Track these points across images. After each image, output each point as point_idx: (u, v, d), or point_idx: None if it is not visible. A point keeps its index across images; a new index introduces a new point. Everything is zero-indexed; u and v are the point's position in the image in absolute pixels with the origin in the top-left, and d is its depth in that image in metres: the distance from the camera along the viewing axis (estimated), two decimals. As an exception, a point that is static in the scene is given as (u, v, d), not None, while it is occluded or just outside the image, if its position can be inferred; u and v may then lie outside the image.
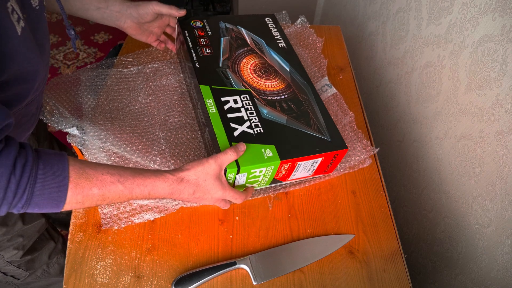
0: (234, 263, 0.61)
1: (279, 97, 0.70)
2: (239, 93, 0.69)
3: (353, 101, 0.87)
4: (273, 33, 0.83)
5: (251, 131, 0.64)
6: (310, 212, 0.69)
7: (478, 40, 0.71)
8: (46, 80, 0.63)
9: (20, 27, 0.44)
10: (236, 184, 0.63)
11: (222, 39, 0.78)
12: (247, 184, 0.65)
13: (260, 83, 0.72)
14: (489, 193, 0.73)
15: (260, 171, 0.62)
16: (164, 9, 0.75)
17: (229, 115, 0.65)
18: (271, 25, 0.85)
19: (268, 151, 0.61)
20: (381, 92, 1.14)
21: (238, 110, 0.66)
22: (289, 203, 0.70)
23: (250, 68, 0.74)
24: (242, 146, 0.60)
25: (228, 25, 0.82)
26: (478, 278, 0.79)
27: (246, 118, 0.65)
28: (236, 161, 0.59)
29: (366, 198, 0.72)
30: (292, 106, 0.69)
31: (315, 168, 0.68)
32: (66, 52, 2.11)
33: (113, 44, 2.16)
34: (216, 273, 0.59)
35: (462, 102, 0.77)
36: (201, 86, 0.68)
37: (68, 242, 0.63)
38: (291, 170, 0.65)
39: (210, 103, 0.66)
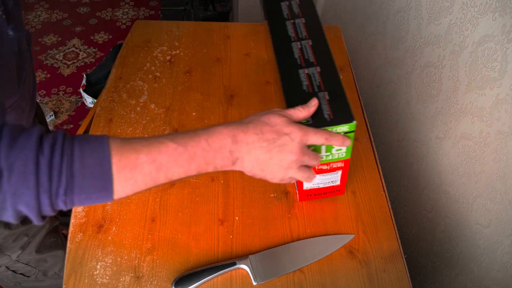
0: (234, 263, 0.61)
1: None
2: None
3: (353, 101, 0.87)
4: None
5: None
6: (310, 212, 0.69)
7: (478, 40, 0.71)
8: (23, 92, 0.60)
9: None
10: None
11: None
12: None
13: None
14: (489, 193, 0.73)
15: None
16: None
17: None
18: None
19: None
20: (381, 92, 1.14)
21: None
22: (289, 203, 0.70)
23: None
24: (313, 101, 0.54)
25: None
26: (478, 278, 0.78)
27: None
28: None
29: (366, 198, 0.72)
30: None
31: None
32: (66, 52, 2.11)
33: (113, 44, 2.15)
34: (216, 273, 0.59)
35: (462, 102, 0.77)
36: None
37: (68, 242, 0.63)
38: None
39: None
